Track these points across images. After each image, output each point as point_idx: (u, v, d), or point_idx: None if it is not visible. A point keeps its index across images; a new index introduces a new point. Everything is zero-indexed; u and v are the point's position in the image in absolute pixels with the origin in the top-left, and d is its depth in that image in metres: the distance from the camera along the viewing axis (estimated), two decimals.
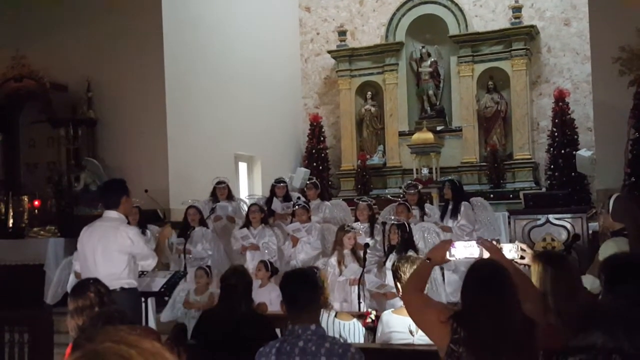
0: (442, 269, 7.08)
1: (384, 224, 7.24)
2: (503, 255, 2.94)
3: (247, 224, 7.79)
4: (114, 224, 4.95)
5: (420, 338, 3.48)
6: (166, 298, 6.63)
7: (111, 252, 4.86)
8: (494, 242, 2.97)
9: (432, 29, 12.73)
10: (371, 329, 4.29)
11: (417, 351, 2.87)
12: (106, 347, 1.02)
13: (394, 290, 5.94)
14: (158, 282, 6.06)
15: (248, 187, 12.25)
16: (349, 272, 6.34)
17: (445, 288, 6.60)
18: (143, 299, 5.46)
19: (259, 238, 7.64)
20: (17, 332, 5.18)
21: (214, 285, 6.74)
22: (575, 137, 11.50)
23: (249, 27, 11.98)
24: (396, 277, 3.98)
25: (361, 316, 4.60)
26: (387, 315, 3.90)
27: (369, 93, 13.13)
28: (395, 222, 6.58)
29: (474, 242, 2.90)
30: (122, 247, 4.86)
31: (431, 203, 9.55)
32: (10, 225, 9.74)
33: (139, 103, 9.96)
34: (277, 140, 12.74)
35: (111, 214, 5.00)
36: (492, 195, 11.36)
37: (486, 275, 2.53)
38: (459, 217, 7.86)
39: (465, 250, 2.86)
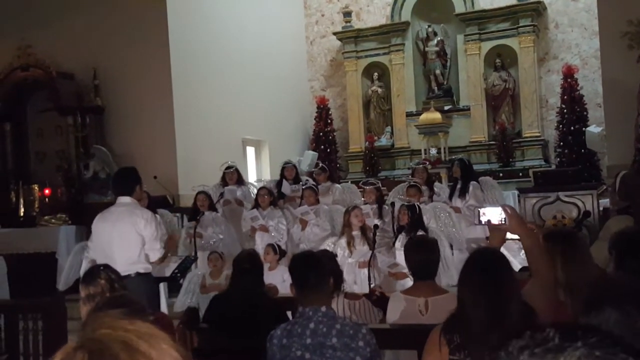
0: (451, 247, 7.08)
1: (392, 204, 7.23)
2: (524, 224, 2.92)
3: (256, 206, 7.82)
4: (129, 208, 4.97)
5: (431, 318, 3.48)
6: (180, 282, 6.68)
7: (127, 235, 4.86)
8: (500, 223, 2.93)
9: (437, 8, 12.62)
10: (379, 306, 4.30)
11: (428, 331, 2.89)
12: (104, 334, 0.99)
13: (406, 270, 5.97)
14: (170, 267, 6.10)
15: (256, 171, 12.26)
16: (358, 254, 6.35)
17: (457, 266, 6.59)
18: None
19: (268, 219, 7.66)
20: (31, 320, 5.21)
21: (227, 268, 6.80)
22: (585, 113, 11.41)
23: (254, 10, 11.91)
24: None
25: (368, 295, 4.62)
26: (397, 296, 3.91)
27: (376, 74, 13.07)
28: (405, 203, 6.56)
29: (499, 208, 2.89)
30: (137, 228, 4.87)
31: (440, 183, 9.52)
32: (22, 214, 9.81)
33: (146, 90, 9.95)
34: (284, 123, 12.72)
35: (124, 199, 5.02)
36: (501, 174, 11.33)
37: (484, 267, 2.49)
38: (467, 197, 7.83)
39: (494, 215, 2.86)
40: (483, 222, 2.93)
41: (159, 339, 1.00)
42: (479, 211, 2.97)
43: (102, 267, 3.40)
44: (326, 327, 2.90)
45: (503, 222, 2.83)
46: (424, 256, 3.74)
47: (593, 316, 1.52)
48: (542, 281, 2.77)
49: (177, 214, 8.94)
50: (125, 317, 1.05)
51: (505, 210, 2.84)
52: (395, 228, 6.77)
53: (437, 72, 12.68)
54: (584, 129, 10.79)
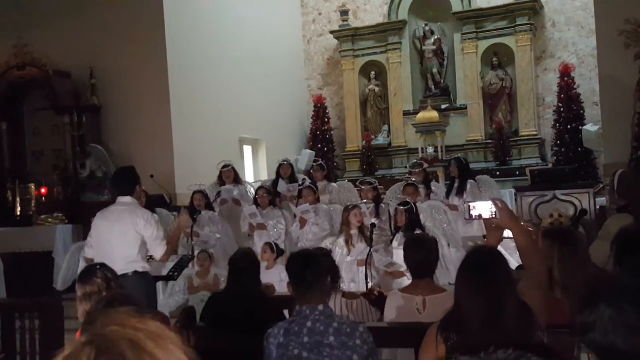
0: (449, 246, 7.08)
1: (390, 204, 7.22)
2: (516, 218, 2.91)
3: (256, 206, 7.80)
4: (130, 207, 4.99)
5: (428, 316, 3.48)
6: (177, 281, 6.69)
7: (127, 234, 4.89)
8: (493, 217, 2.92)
9: (435, 6, 12.62)
10: (377, 306, 4.30)
11: (425, 329, 2.88)
12: (113, 332, 0.99)
13: (403, 269, 5.97)
14: (167, 266, 6.08)
15: (254, 171, 12.26)
16: (356, 252, 6.34)
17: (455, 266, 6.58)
18: None
19: (267, 219, 7.65)
20: (28, 319, 5.21)
21: (215, 267, 6.80)
22: (582, 112, 11.43)
23: (251, 9, 11.91)
24: None
25: (366, 294, 4.62)
26: (395, 294, 3.91)
27: (373, 73, 13.07)
28: (403, 207, 6.51)
29: (490, 202, 2.87)
30: (137, 228, 4.89)
31: (437, 182, 9.53)
32: (18, 213, 9.79)
33: (143, 89, 9.94)
34: (281, 122, 12.71)
35: (125, 199, 5.05)
36: (498, 173, 11.34)
37: (481, 265, 2.49)
38: (465, 195, 7.84)
39: (485, 209, 2.85)
40: (474, 217, 2.92)
41: (167, 340, 1.00)
42: (469, 206, 2.95)
43: (98, 266, 3.39)
44: (323, 326, 2.90)
45: (494, 216, 2.83)
46: (423, 255, 3.74)
47: (588, 314, 1.52)
48: (535, 278, 2.76)
49: (174, 213, 8.92)
50: (136, 315, 1.06)
51: (495, 204, 2.83)
52: (392, 227, 6.77)
53: (434, 70, 12.69)
54: (580, 127, 10.81)
